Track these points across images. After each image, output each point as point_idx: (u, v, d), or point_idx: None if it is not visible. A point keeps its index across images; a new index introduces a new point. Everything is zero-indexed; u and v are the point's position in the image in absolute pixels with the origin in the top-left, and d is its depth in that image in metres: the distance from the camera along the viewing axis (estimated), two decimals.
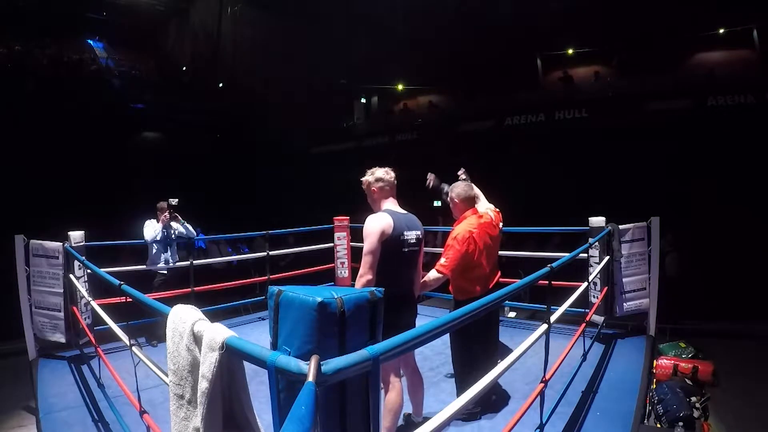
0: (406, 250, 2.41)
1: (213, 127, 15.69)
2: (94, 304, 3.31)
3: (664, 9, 11.48)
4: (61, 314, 4.03)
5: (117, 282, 2.21)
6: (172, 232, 4.78)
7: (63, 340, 4.07)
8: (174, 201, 4.72)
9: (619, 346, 4.10)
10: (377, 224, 2.35)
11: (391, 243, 2.34)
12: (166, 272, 4.80)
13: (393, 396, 2.42)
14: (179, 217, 4.77)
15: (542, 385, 2.31)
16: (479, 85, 14.75)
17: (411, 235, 2.44)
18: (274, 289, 1.39)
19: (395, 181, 2.56)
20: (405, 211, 2.55)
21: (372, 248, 2.31)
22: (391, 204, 2.52)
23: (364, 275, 2.30)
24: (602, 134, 11.14)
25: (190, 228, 4.92)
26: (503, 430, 2.11)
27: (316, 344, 1.21)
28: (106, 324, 2.91)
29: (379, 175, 2.53)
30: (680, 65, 12.57)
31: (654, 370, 3.77)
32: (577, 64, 14.24)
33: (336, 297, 1.26)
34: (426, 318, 1.73)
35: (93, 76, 14.88)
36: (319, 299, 1.22)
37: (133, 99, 14.78)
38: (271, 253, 5.55)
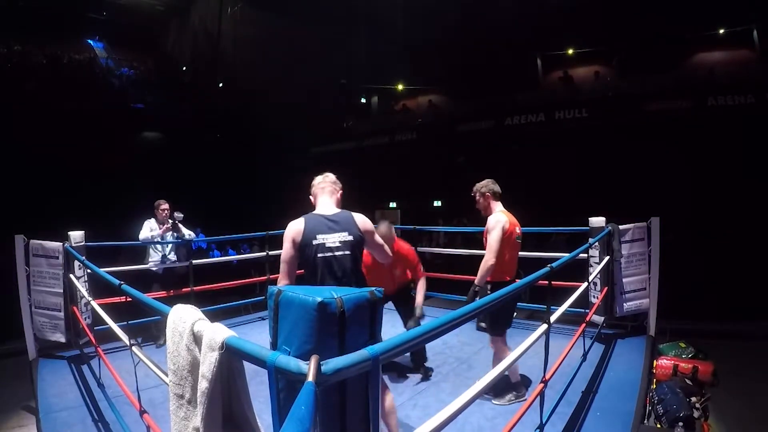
0: (321, 255, 2.24)
1: (213, 127, 15.69)
2: (94, 304, 3.31)
3: (665, 9, 11.48)
4: (61, 314, 4.03)
5: (117, 282, 2.21)
6: (171, 234, 4.79)
7: (63, 340, 4.07)
8: (179, 215, 4.75)
9: (619, 346, 4.10)
10: (288, 230, 2.31)
11: (301, 249, 2.26)
12: (162, 272, 4.81)
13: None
14: (181, 230, 4.79)
15: (542, 385, 2.31)
16: (479, 85, 14.76)
17: (332, 239, 2.26)
18: (274, 289, 1.39)
19: (328, 182, 2.48)
20: (337, 211, 2.39)
21: (285, 256, 2.29)
22: (321, 205, 2.42)
23: (280, 282, 2.25)
24: (602, 134, 11.14)
25: (191, 234, 4.93)
26: (503, 430, 2.11)
27: (315, 344, 1.21)
28: (106, 324, 2.91)
29: (314, 181, 2.51)
30: (680, 65, 12.56)
31: (654, 370, 3.76)
32: (577, 64, 14.24)
33: (336, 297, 1.26)
34: (426, 318, 1.73)
35: (93, 76, 14.89)
36: (319, 299, 1.22)
37: (133, 99, 14.79)
38: (270, 253, 5.55)
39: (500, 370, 1.90)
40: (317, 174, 2.53)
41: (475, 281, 3.04)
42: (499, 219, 3.10)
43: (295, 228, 2.29)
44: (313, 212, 2.40)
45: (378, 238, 2.49)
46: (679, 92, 10.99)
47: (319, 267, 2.24)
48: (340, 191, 2.51)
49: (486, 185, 3.24)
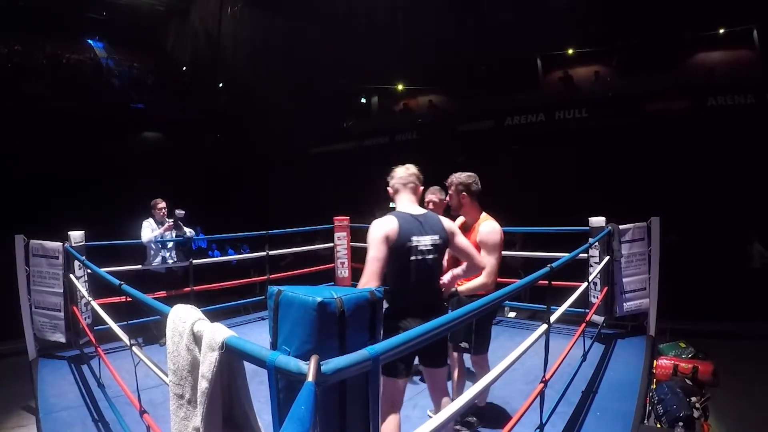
0: (414, 258, 2.13)
1: (213, 127, 15.70)
2: (94, 304, 3.31)
3: (664, 9, 11.47)
4: (61, 314, 4.03)
5: (117, 282, 2.21)
6: (171, 232, 4.79)
7: (63, 340, 4.07)
8: (181, 213, 4.73)
9: (619, 346, 4.10)
10: (380, 229, 2.11)
11: (394, 251, 2.10)
12: (164, 271, 4.80)
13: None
14: (182, 227, 4.78)
15: (542, 385, 2.31)
16: (479, 85, 14.75)
17: (424, 241, 2.15)
18: (274, 288, 1.39)
19: (413, 178, 2.29)
20: (423, 211, 2.27)
21: (377, 254, 2.06)
22: (405, 203, 2.27)
23: (367, 284, 2.01)
24: (602, 134, 11.14)
25: (191, 231, 4.93)
26: (503, 430, 2.11)
27: (315, 344, 1.21)
28: (106, 324, 2.90)
29: (395, 173, 2.31)
30: (680, 65, 12.56)
31: (654, 370, 3.76)
32: (577, 64, 14.24)
33: (336, 297, 1.26)
34: None
35: (93, 77, 14.89)
36: (319, 299, 1.22)
37: (133, 99, 14.80)
38: (270, 253, 5.55)
39: (503, 368, 1.90)
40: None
41: (459, 291, 2.60)
42: (497, 230, 2.66)
43: (389, 226, 2.11)
44: (401, 210, 2.23)
45: (464, 241, 2.33)
46: (679, 92, 11.00)
47: (412, 271, 2.13)
48: (422, 186, 2.34)
49: (463, 181, 2.75)
